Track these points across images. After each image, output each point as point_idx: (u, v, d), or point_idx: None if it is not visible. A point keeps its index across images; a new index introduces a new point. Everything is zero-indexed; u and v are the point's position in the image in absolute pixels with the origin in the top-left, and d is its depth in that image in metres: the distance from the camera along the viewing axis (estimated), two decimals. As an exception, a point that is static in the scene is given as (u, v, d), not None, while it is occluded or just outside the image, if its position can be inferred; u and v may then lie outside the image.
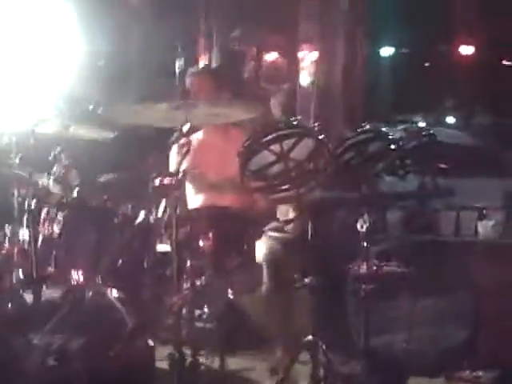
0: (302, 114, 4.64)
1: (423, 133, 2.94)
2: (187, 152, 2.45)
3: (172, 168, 2.96)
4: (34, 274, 2.47)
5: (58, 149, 3.08)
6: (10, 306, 2.52)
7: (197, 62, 5.38)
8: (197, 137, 3.48)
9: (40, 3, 4.16)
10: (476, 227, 3.68)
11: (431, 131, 2.96)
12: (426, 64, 8.23)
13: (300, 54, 5.33)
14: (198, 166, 3.28)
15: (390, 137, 2.71)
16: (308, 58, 5.27)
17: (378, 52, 7.88)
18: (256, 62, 6.32)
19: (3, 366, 2.20)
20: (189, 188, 3.32)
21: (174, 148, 3.23)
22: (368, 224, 2.62)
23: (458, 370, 2.97)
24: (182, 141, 2.46)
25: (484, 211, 3.72)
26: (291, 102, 4.67)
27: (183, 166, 2.49)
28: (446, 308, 3.09)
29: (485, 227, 3.64)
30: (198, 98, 3.29)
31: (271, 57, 6.31)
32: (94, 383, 2.22)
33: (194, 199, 3.25)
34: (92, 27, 4.71)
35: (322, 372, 2.40)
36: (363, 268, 2.54)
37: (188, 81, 3.44)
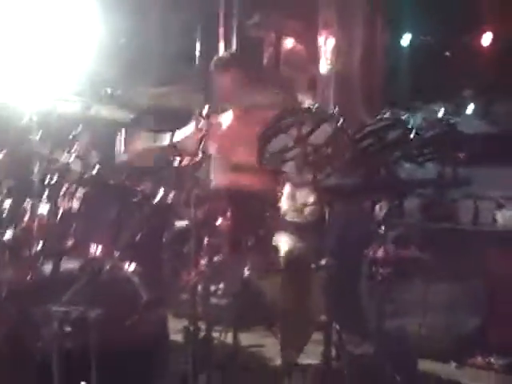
0: (322, 100, 4.64)
1: (443, 122, 2.92)
2: (206, 134, 2.48)
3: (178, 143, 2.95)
4: (53, 246, 2.52)
5: (79, 128, 3.11)
6: (29, 277, 2.58)
7: (217, 46, 5.38)
8: (224, 118, 3.50)
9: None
10: (494, 216, 3.67)
11: (451, 120, 2.95)
12: (447, 53, 8.14)
13: (320, 40, 5.31)
14: (224, 147, 3.30)
15: (410, 125, 2.70)
16: (327, 43, 5.26)
17: (399, 39, 7.82)
18: (275, 48, 6.30)
19: (22, 335, 2.26)
20: (213, 168, 3.34)
21: (189, 127, 3.22)
22: (385, 210, 2.63)
23: (470, 356, 2.98)
24: (201, 123, 2.48)
25: (502, 201, 3.71)
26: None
27: (202, 147, 2.52)
28: (460, 294, 3.10)
29: (503, 217, 3.63)
30: (224, 95, 3.20)
31: (290, 43, 6.29)
32: (108, 354, 2.27)
33: (219, 179, 3.28)
34: (112, 7, 4.71)
35: (334, 352, 2.42)
36: (380, 252, 2.55)
37: (213, 74, 3.36)
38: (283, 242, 2.90)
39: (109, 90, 4.78)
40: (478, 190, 3.76)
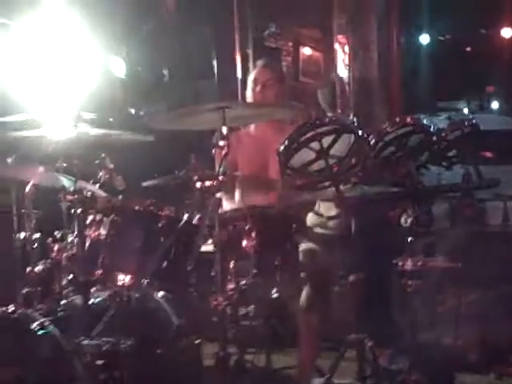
0: (342, 108, 4.62)
1: (465, 123, 2.87)
2: (226, 154, 2.48)
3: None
4: (82, 277, 2.54)
5: (103, 155, 3.14)
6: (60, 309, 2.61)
7: (234, 62, 5.40)
8: (249, 135, 3.49)
9: (77, 15, 4.26)
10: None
11: (474, 120, 2.89)
12: (468, 49, 8.03)
13: (336, 47, 5.30)
14: (252, 164, 3.30)
15: (431, 128, 2.66)
16: (344, 50, 5.24)
17: (418, 39, 7.72)
18: (293, 57, 6.30)
19: (54, 367, 2.29)
20: (241, 187, 3.33)
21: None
22: (412, 218, 2.58)
23: (508, 366, 2.91)
24: (222, 143, 2.48)
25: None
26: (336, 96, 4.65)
27: (225, 167, 2.52)
28: (495, 302, 3.03)
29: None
30: (264, 90, 3.33)
31: (308, 51, 6.28)
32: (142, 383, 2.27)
33: (246, 199, 3.26)
34: (129, 33, 4.79)
35: (368, 369, 2.40)
36: (408, 263, 2.51)
37: (255, 73, 3.45)
38: (308, 257, 2.88)
39: (132, 111, 4.84)
40: (508, 190, 3.68)
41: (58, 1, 4.20)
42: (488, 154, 3.17)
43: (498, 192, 3.67)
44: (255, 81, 3.43)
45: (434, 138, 2.65)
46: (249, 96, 3.48)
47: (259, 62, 3.54)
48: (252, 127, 3.53)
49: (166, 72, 5.45)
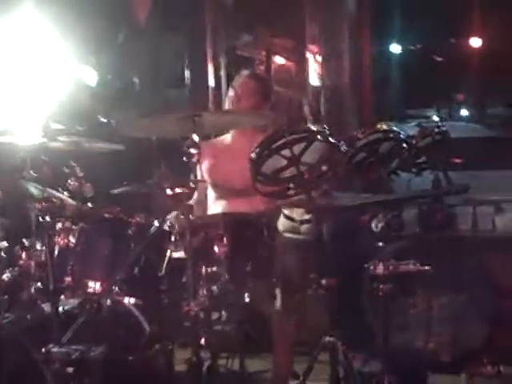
0: (313, 115, 4.66)
1: (436, 130, 2.90)
2: (197, 161, 2.48)
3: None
4: (51, 285, 2.50)
5: (72, 163, 3.12)
6: (29, 317, 2.57)
7: (206, 71, 5.41)
8: (223, 143, 3.48)
9: (47, 24, 4.24)
10: (493, 221, 3.64)
11: (444, 128, 2.93)
12: (438, 58, 8.17)
13: (308, 56, 5.35)
14: (225, 172, 3.28)
15: (402, 135, 2.69)
16: (316, 59, 5.29)
17: (388, 49, 7.84)
18: (266, 66, 6.34)
19: (23, 376, 2.25)
20: (212, 195, 3.31)
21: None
22: (383, 223, 2.61)
23: (479, 366, 2.95)
24: (192, 150, 2.47)
25: (501, 205, 3.68)
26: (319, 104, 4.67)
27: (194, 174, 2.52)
28: (465, 304, 3.07)
29: (502, 221, 3.60)
30: (242, 100, 3.29)
31: (280, 60, 6.33)
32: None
33: (218, 206, 3.25)
34: (100, 42, 4.78)
35: (341, 372, 2.40)
36: (380, 267, 2.53)
37: (235, 83, 3.41)
38: (281, 261, 2.88)
39: (102, 119, 4.81)
40: (477, 195, 3.74)
41: (28, 10, 4.18)
42: (457, 160, 3.20)
43: (467, 197, 3.72)
44: (233, 91, 3.41)
45: (405, 145, 2.68)
46: (226, 105, 3.47)
47: (244, 72, 3.49)
48: (226, 136, 3.53)
49: (136, 80, 5.44)
